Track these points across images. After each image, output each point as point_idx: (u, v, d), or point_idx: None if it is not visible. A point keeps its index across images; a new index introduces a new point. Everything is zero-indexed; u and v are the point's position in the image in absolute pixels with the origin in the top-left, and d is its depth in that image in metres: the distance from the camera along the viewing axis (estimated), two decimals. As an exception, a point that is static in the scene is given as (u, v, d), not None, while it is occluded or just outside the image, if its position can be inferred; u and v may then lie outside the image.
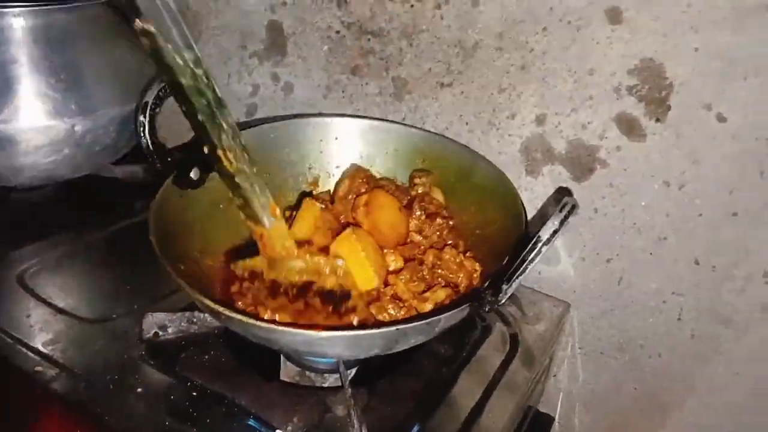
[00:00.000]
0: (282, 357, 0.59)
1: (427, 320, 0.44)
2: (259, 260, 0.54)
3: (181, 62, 0.44)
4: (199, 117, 0.47)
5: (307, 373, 0.58)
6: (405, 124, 0.73)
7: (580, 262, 0.70)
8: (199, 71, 0.46)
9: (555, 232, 0.44)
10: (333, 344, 0.45)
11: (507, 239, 0.55)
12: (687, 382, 0.69)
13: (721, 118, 0.58)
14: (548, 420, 0.78)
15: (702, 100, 0.58)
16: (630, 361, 0.72)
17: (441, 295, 0.54)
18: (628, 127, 0.63)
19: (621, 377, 0.73)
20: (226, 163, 0.49)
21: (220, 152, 0.49)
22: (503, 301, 0.46)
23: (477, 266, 0.59)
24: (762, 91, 0.55)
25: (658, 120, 0.61)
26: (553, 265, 0.72)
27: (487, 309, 0.46)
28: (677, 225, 0.63)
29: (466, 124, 0.73)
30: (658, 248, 0.65)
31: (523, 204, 0.57)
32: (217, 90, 0.47)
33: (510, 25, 0.66)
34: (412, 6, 0.71)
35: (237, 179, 0.50)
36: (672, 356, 0.69)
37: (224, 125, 0.49)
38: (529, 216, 0.61)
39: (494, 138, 0.71)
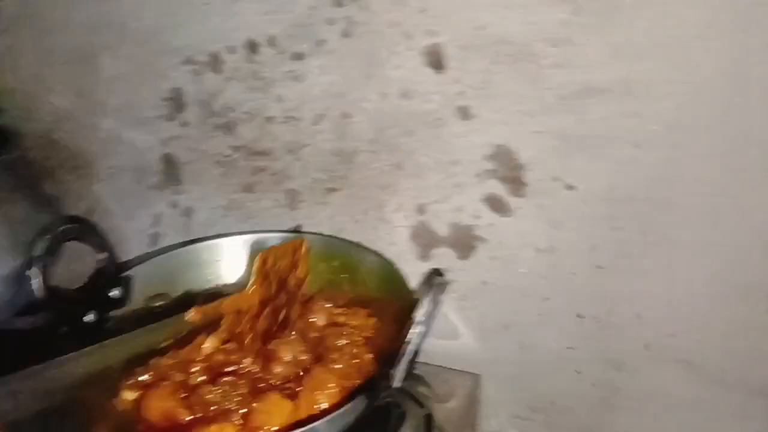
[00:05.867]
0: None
1: (327, 418, 0.46)
2: None
3: None
4: None
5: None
6: (296, 231, 0.78)
7: (481, 333, 0.75)
8: None
9: (427, 312, 0.48)
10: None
11: (401, 325, 0.58)
12: (600, 429, 0.73)
13: (569, 187, 0.66)
14: (485, 494, 0.79)
15: (550, 174, 0.66)
16: (546, 420, 0.76)
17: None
18: (496, 205, 0.70)
19: (542, 437, 0.77)
20: None
21: None
22: (396, 385, 0.49)
23: None
24: (595, 160, 0.63)
25: (520, 196, 0.68)
26: (457, 340, 0.76)
27: (383, 395, 0.49)
28: (555, 285, 0.69)
29: (357, 222, 0.78)
30: (544, 309, 0.71)
31: (410, 290, 0.62)
32: None
33: (380, 131, 0.73)
34: (292, 126, 0.78)
35: None
36: (581, 408, 0.73)
37: None
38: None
39: (384, 231, 0.77)
